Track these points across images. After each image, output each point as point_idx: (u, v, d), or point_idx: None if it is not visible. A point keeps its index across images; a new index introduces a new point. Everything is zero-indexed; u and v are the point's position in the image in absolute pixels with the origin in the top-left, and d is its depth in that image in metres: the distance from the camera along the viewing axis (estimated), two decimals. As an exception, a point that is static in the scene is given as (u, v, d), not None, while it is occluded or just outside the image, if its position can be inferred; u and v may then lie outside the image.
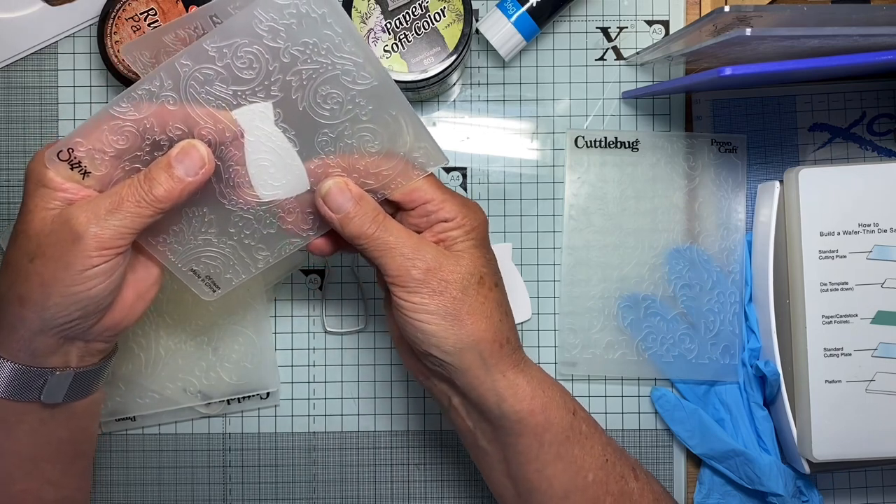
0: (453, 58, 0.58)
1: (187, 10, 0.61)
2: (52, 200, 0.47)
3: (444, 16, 0.58)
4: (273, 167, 0.50)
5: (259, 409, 0.67)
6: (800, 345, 0.59)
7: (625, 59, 0.66)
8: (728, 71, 0.50)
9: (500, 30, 0.61)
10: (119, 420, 0.65)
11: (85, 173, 0.48)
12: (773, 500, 0.63)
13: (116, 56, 0.61)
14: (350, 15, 0.58)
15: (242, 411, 0.67)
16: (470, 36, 0.58)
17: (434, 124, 0.66)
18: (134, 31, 0.61)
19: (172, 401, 0.65)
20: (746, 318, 0.65)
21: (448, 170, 0.66)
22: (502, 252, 0.66)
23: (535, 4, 0.61)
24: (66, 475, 0.53)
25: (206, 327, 0.65)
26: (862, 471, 0.67)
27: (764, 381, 0.63)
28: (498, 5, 0.61)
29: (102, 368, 0.52)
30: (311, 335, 0.67)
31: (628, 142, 0.65)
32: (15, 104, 0.66)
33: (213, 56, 0.47)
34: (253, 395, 0.66)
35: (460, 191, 0.66)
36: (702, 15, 0.64)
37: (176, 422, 0.67)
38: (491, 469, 0.54)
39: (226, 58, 0.47)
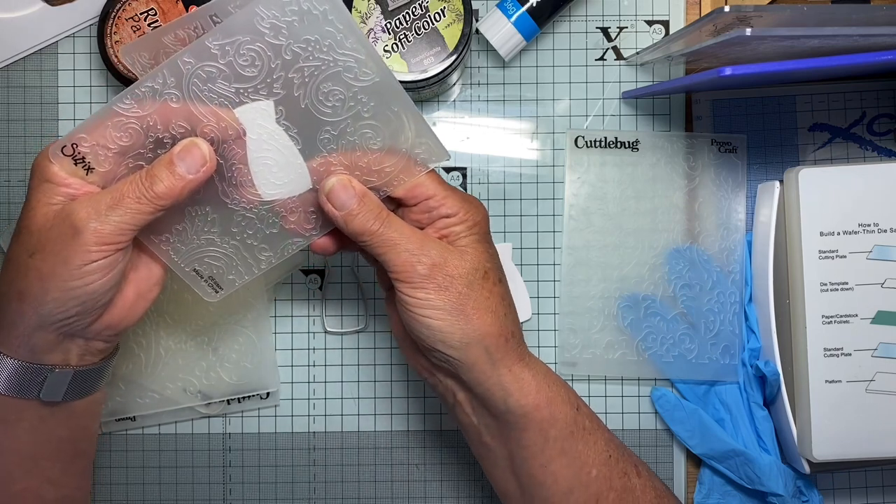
0: (453, 58, 0.58)
1: (187, 10, 0.61)
2: (55, 195, 0.47)
3: (444, 16, 0.58)
4: (276, 166, 0.50)
5: (259, 409, 0.67)
6: (800, 345, 0.59)
7: (625, 59, 0.66)
8: (728, 71, 0.50)
9: (500, 30, 0.61)
10: (119, 420, 0.65)
11: (89, 169, 0.48)
12: (773, 500, 0.63)
13: (116, 56, 0.61)
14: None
15: (242, 411, 0.67)
16: (470, 36, 0.58)
17: (434, 124, 0.66)
18: (134, 31, 0.61)
19: (172, 401, 0.65)
20: (746, 318, 0.65)
21: (448, 170, 0.66)
22: (502, 252, 0.65)
23: (535, 4, 0.61)
24: (65, 474, 0.53)
25: (207, 327, 0.65)
26: (862, 471, 0.67)
27: (764, 381, 0.63)
28: (498, 5, 0.61)
29: (103, 368, 0.52)
30: (311, 335, 0.67)
31: (628, 142, 0.65)
32: (15, 104, 0.66)
33: (215, 54, 0.47)
34: (253, 395, 0.66)
35: (462, 191, 0.66)
36: (702, 15, 0.64)
37: (176, 422, 0.66)
38: (494, 466, 0.54)
39: (228, 55, 0.47)
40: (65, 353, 0.49)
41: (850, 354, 0.59)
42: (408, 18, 0.58)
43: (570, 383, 0.66)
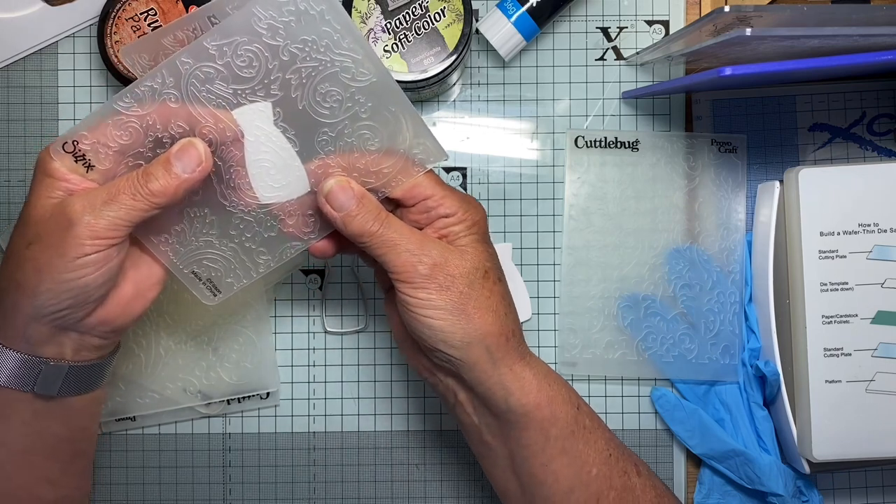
0: (453, 58, 0.58)
1: (187, 10, 0.61)
2: (55, 190, 0.47)
3: (444, 16, 0.58)
4: (273, 168, 0.50)
5: (259, 409, 0.67)
6: (800, 345, 0.59)
7: (625, 59, 0.66)
8: (728, 71, 0.50)
9: (500, 30, 0.61)
10: (119, 420, 0.65)
11: (89, 167, 0.48)
12: (773, 500, 0.63)
13: (116, 56, 0.61)
14: (350, 15, 0.58)
15: (242, 411, 0.67)
16: (470, 36, 0.58)
17: (434, 124, 0.66)
18: (134, 31, 0.61)
19: (172, 401, 0.65)
20: (746, 318, 0.65)
21: (448, 170, 0.66)
22: (502, 252, 0.66)
23: (535, 4, 0.61)
24: (64, 474, 0.53)
25: (206, 327, 0.65)
26: (862, 471, 0.67)
27: (764, 381, 0.63)
28: (498, 5, 0.61)
29: (102, 366, 0.52)
30: (311, 335, 0.67)
31: (628, 142, 0.65)
32: (15, 104, 0.66)
33: (213, 54, 0.47)
34: (253, 395, 0.66)
35: (460, 191, 0.66)
36: (702, 15, 0.64)
37: (176, 422, 0.67)
38: (494, 465, 0.54)
39: (226, 56, 0.47)
40: (59, 346, 0.49)
41: (850, 354, 0.59)
42: (408, 18, 0.58)
43: (570, 383, 0.66)
